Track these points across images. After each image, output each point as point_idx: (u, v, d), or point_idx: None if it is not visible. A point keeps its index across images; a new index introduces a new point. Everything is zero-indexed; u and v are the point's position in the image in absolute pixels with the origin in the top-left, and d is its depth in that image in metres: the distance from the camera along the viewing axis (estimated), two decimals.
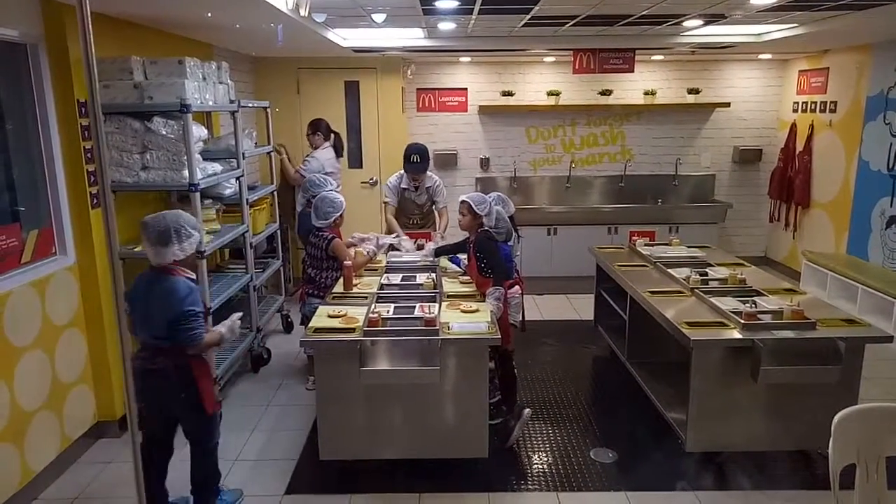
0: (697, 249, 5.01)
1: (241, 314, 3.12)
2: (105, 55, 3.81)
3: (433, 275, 4.18)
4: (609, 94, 7.29)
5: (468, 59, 7.06)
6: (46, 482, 3.40)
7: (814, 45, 6.34)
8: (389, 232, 4.99)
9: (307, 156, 6.03)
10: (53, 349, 3.46)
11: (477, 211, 3.86)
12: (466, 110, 7.37)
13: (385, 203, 5.23)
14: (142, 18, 4.17)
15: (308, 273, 4.39)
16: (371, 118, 6.99)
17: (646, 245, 5.09)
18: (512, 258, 4.08)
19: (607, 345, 5.03)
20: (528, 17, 4.72)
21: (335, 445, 3.32)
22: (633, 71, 6.28)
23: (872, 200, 5.93)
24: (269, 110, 5.63)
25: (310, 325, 3.38)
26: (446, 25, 5.20)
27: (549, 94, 7.26)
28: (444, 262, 4.57)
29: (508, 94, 7.27)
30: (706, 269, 4.33)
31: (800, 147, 7.05)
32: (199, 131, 4.01)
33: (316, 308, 3.69)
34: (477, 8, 4.33)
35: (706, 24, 5.13)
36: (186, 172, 3.83)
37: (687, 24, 5.09)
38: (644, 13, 4.57)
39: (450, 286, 4.05)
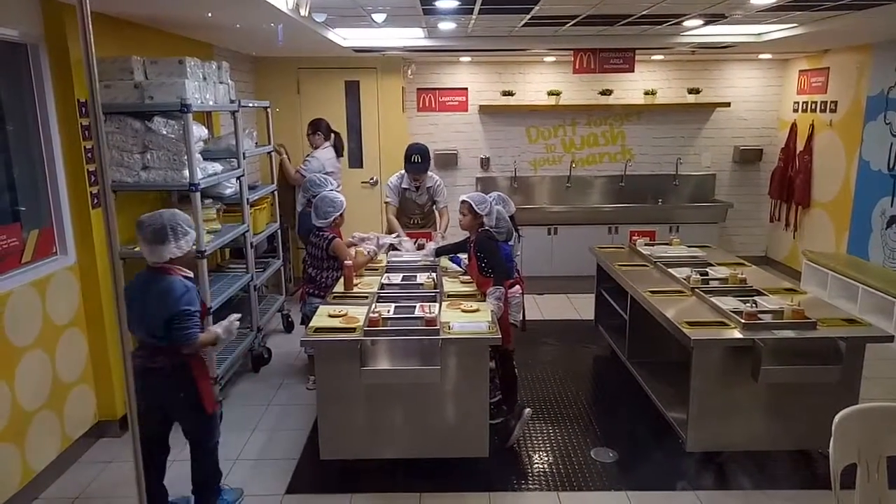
0: (698, 249, 5.01)
1: (239, 315, 3.11)
2: (105, 55, 3.81)
3: (434, 274, 4.18)
4: (609, 94, 7.29)
5: (468, 58, 7.06)
6: (47, 482, 3.40)
7: (814, 44, 6.34)
8: (390, 232, 4.99)
9: (307, 156, 6.03)
10: (54, 349, 3.46)
11: (477, 211, 3.86)
12: (467, 110, 7.37)
13: (386, 203, 5.23)
14: (142, 18, 4.17)
15: (308, 273, 4.39)
16: (371, 118, 6.99)
17: (646, 245, 5.09)
18: (512, 258, 4.08)
19: (608, 344, 5.03)
20: (529, 16, 4.72)
21: (336, 445, 3.32)
22: (633, 71, 6.28)
23: (873, 200, 5.93)
24: (269, 110, 5.64)
25: (310, 324, 3.38)
26: (446, 25, 5.20)
27: (550, 93, 7.26)
28: (444, 261, 4.57)
29: (509, 93, 7.28)
30: (707, 269, 4.33)
31: (800, 147, 7.05)
32: (199, 131, 4.01)
33: (316, 308, 3.69)
34: (477, 8, 4.33)
35: (706, 23, 5.13)
36: (187, 172, 3.83)
37: (687, 23, 5.09)
38: (644, 13, 4.57)
39: (450, 286, 4.05)
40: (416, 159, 4.97)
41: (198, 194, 3.83)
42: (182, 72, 3.86)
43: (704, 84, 7.33)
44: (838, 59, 6.50)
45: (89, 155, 3.62)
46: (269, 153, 5.67)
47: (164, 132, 3.82)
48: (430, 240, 4.85)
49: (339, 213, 4.23)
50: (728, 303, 3.62)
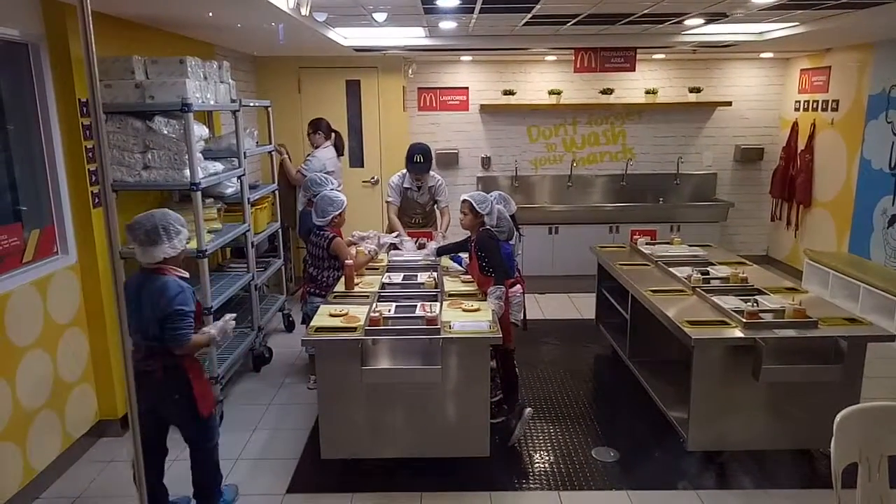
0: (699, 248, 5.00)
1: (234, 315, 3.10)
2: (106, 54, 3.81)
3: (434, 274, 4.18)
4: (610, 93, 7.29)
5: (469, 58, 7.05)
6: (48, 481, 3.40)
7: (815, 43, 6.33)
8: (391, 231, 4.99)
9: (308, 155, 6.04)
10: (55, 348, 3.47)
11: (478, 210, 3.86)
12: (468, 109, 7.36)
13: (388, 202, 5.23)
14: (143, 18, 4.17)
15: (309, 272, 4.39)
16: (372, 117, 6.99)
17: (647, 244, 5.08)
18: (513, 257, 4.08)
19: (609, 343, 5.02)
20: (530, 15, 4.72)
21: (337, 444, 3.32)
22: (634, 70, 6.28)
23: (874, 199, 5.92)
24: (270, 109, 5.64)
25: (311, 324, 3.38)
26: (447, 24, 5.20)
27: (551, 92, 7.25)
28: (445, 261, 4.57)
29: (510, 93, 7.27)
30: (708, 268, 4.32)
31: (801, 146, 7.04)
32: (200, 130, 4.01)
33: (317, 307, 3.69)
34: (478, 7, 4.33)
35: (707, 22, 5.13)
36: (188, 172, 3.83)
37: (688, 22, 5.08)
38: (645, 12, 4.56)
39: (451, 285, 4.04)
40: (419, 159, 4.98)
41: (199, 194, 3.83)
42: (183, 71, 3.86)
43: (705, 83, 7.32)
44: (840, 57, 6.50)
45: (90, 154, 3.62)
46: (269, 153, 5.68)
47: (165, 132, 3.82)
48: (431, 239, 4.85)
49: (338, 212, 4.22)
50: (729, 302, 3.61)
